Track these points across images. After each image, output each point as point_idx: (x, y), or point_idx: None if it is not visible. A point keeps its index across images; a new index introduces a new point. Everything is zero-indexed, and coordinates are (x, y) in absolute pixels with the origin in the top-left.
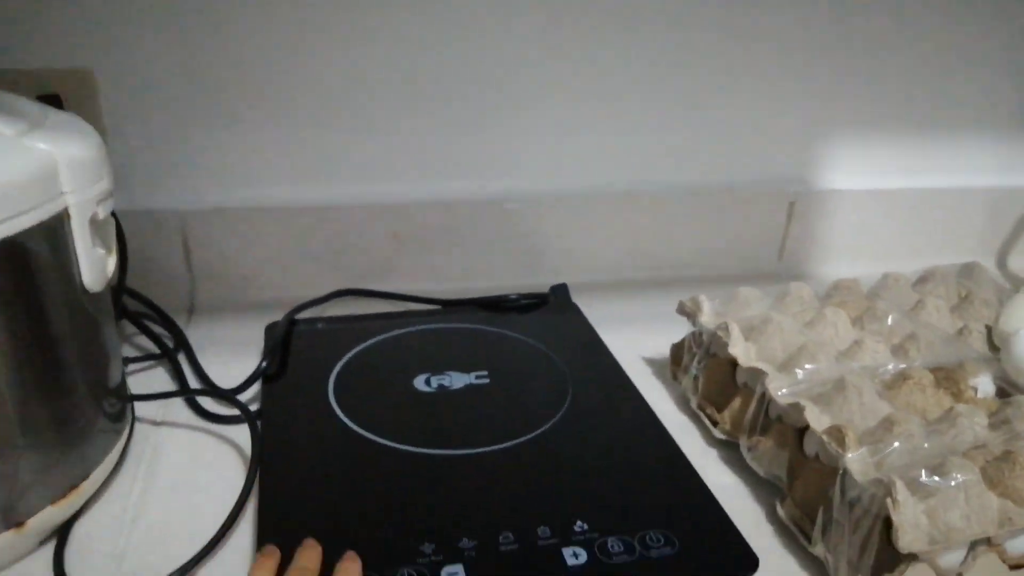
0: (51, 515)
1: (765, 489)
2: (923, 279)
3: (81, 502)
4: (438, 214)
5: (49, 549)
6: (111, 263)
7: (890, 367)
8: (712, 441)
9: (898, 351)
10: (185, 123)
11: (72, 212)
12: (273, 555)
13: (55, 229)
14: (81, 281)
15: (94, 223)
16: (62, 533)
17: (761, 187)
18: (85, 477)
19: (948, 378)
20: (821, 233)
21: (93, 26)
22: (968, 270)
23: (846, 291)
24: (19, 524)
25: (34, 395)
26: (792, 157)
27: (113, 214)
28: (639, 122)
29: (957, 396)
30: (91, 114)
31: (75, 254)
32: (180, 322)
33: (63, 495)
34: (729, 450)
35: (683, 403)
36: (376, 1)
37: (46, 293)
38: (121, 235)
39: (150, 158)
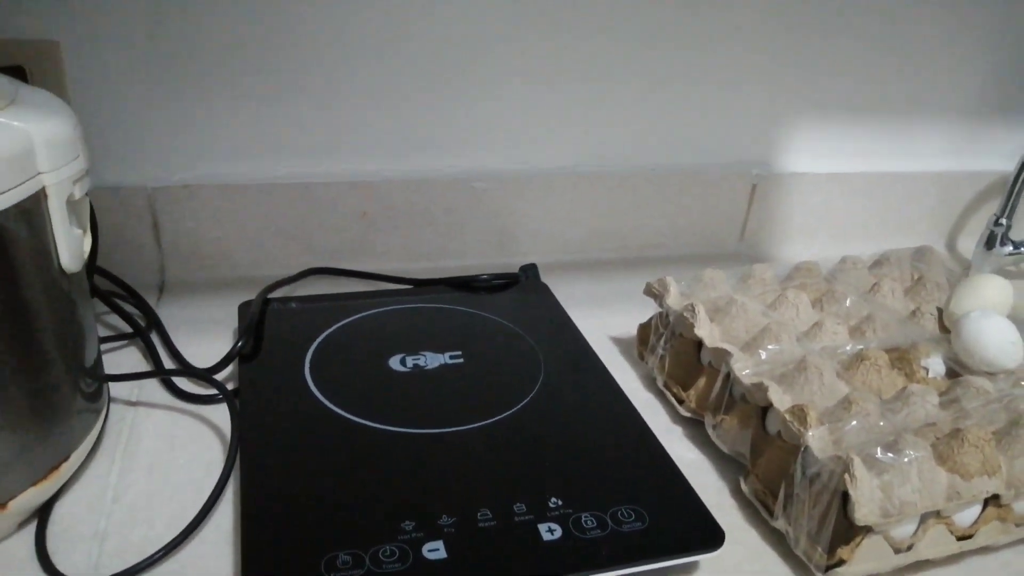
0: (32, 496)
1: (728, 465)
2: (878, 262)
3: (61, 483)
4: (408, 193)
5: (30, 531)
6: (87, 243)
7: (848, 348)
8: (677, 419)
9: (855, 332)
10: (152, 98)
11: (49, 192)
12: None
13: (32, 210)
14: (59, 262)
15: (71, 203)
16: (43, 514)
17: (725, 169)
18: (65, 458)
19: (902, 359)
20: (781, 214)
21: None
22: (921, 253)
23: (806, 273)
24: (2, 506)
25: (12, 376)
26: (755, 140)
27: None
28: (606, 103)
29: (910, 376)
30: (57, 88)
31: (52, 235)
32: (150, 300)
33: (43, 476)
34: (693, 428)
35: (649, 382)
36: None
37: (23, 275)
38: (91, 212)
39: (117, 133)
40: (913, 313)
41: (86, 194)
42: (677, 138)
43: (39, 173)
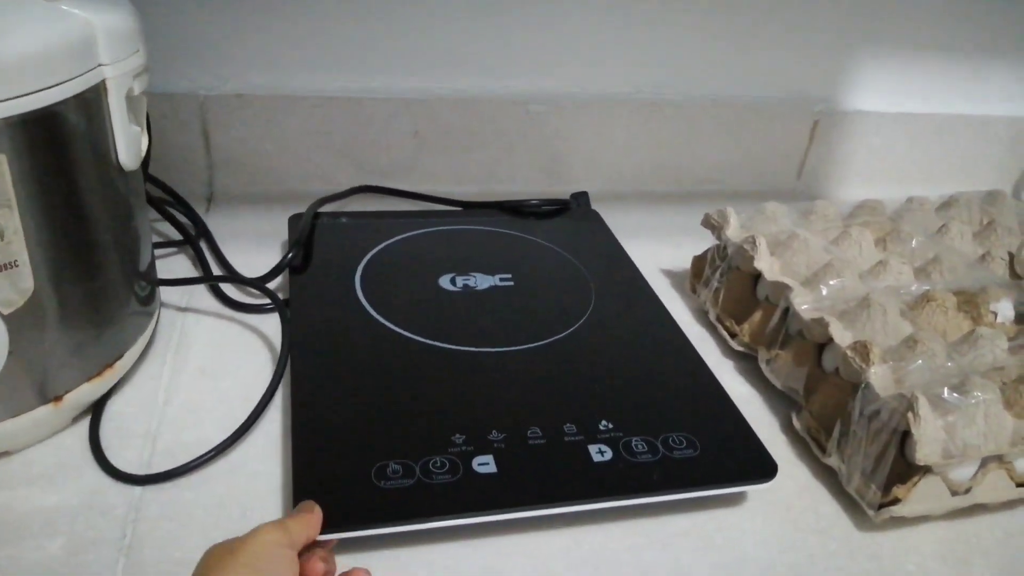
0: (86, 392)
1: (779, 401)
2: (947, 204)
3: (114, 380)
4: (461, 113)
5: (84, 426)
6: (144, 141)
7: (913, 288)
8: (728, 352)
9: (920, 274)
10: (208, 4)
11: (109, 85)
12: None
13: (92, 102)
14: (117, 158)
15: (130, 98)
16: (96, 411)
17: (786, 103)
18: (118, 356)
19: (969, 302)
20: (842, 154)
21: None
22: (992, 197)
23: (870, 212)
24: (57, 399)
25: (69, 273)
26: (819, 74)
27: None
28: (667, 28)
29: (977, 320)
30: None
31: (111, 130)
32: (199, 210)
33: (97, 373)
34: (745, 362)
35: (700, 315)
36: None
37: (82, 169)
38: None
39: (170, 39)
40: (982, 257)
41: (143, 91)
42: (739, 69)
43: (100, 65)
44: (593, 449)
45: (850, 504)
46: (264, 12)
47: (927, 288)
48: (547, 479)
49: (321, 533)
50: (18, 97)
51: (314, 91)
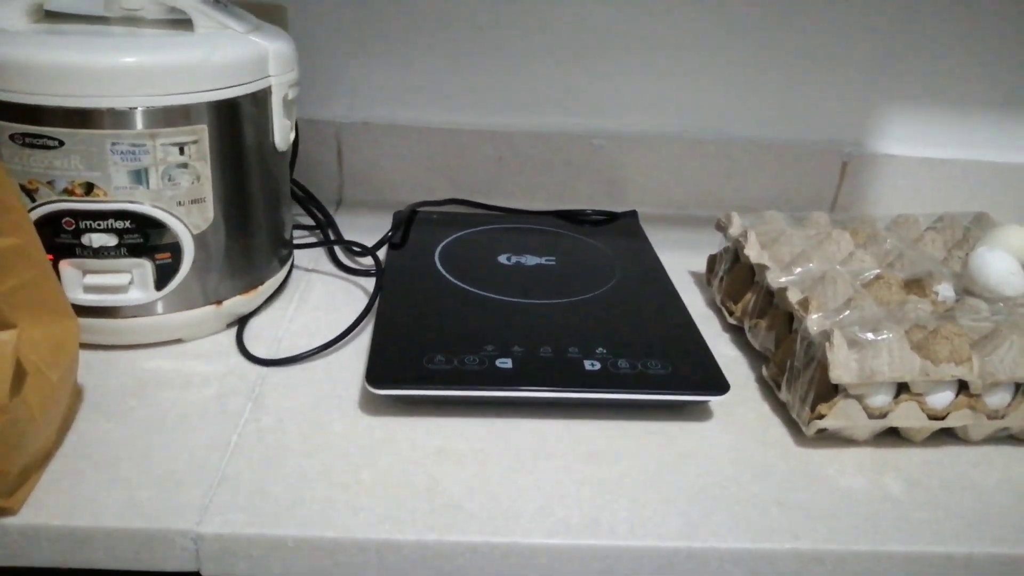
0: (238, 302)
1: (758, 361)
2: (936, 221)
3: (258, 301)
4: (536, 144)
5: (232, 331)
6: (292, 133)
7: (870, 273)
8: (726, 327)
9: (884, 265)
10: (348, 53)
11: (273, 89)
12: None
13: (261, 99)
14: (273, 140)
15: (285, 101)
16: (241, 322)
17: (817, 145)
18: (262, 283)
19: (917, 284)
20: (872, 194)
21: None
22: (978, 218)
23: (859, 222)
24: (218, 302)
25: (235, 214)
26: (850, 120)
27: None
28: (713, 76)
29: (920, 297)
30: None
31: (271, 120)
32: (330, 209)
33: (246, 291)
34: (738, 334)
35: (711, 303)
36: None
37: (250, 142)
38: (296, 135)
39: (318, 77)
40: (945, 258)
41: (294, 98)
42: (775, 113)
43: (268, 75)
44: (587, 362)
45: (795, 429)
46: (387, 61)
47: (879, 271)
48: (548, 375)
49: (380, 390)
50: (219, 89)
51: (422, 123)
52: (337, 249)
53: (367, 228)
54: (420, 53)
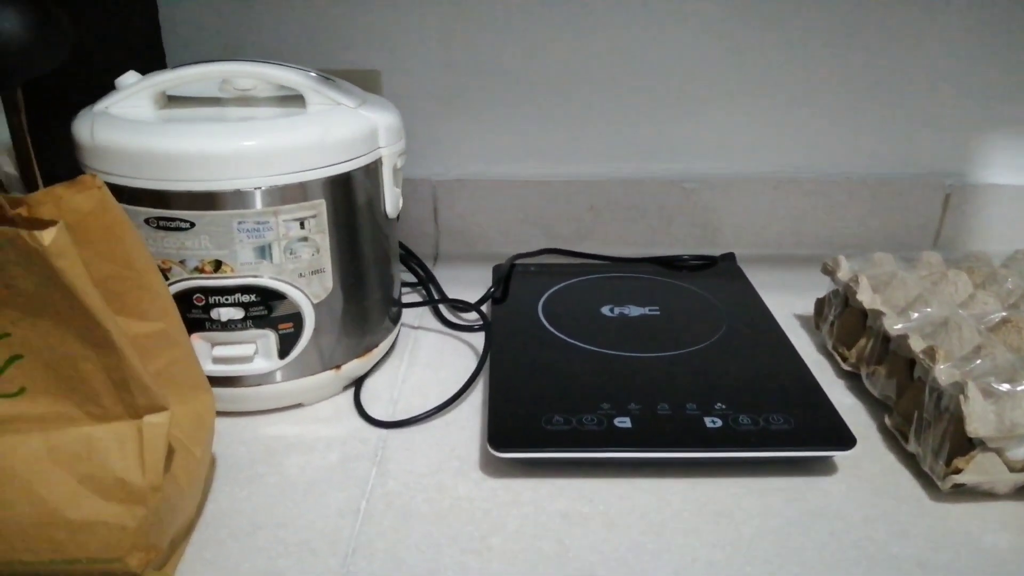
0: (355, 366)
1: (877, 408)
2: None
3: (373, 362)
4: (627, 190)
5: (350, 392)
6: (400, 200)
7: (996, 316)
8: (841, 374)
9: (1009, 308)
10: (440, 113)
11: (384, 160)
12: None
13: (373, 171)
14: (384, 209)
15: (394, 170)
16: (358, 384)
17: (916, 179)
18: (376, 346)
19: None
20: (978, 225)
21: (381, 40)
22: None
23: (974, 259)
24: (337, 367)
25: (352, 282)
26: (948, 151)
27: None
28: (804, 115)
29: None
30: None
31: (382, 190)
32: (428, 263)
33: (362, 354)
34: (853, 380)
35: (822, 347)
36: (589, 23)
37: (364, 213)
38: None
39: (412, 138)
40: None
41: (402, 166)
42: (869, 148)
43: (379, 147)
44: (707, 420)
45: (928, 482)
46: (479, 119)
47: (1005, 314)
48: (669, 434)
49: (503, 453)
50: (334, 164)
51: (514, 176)
52: (441, 306)
53: (465, 282)
54: (509, 110)
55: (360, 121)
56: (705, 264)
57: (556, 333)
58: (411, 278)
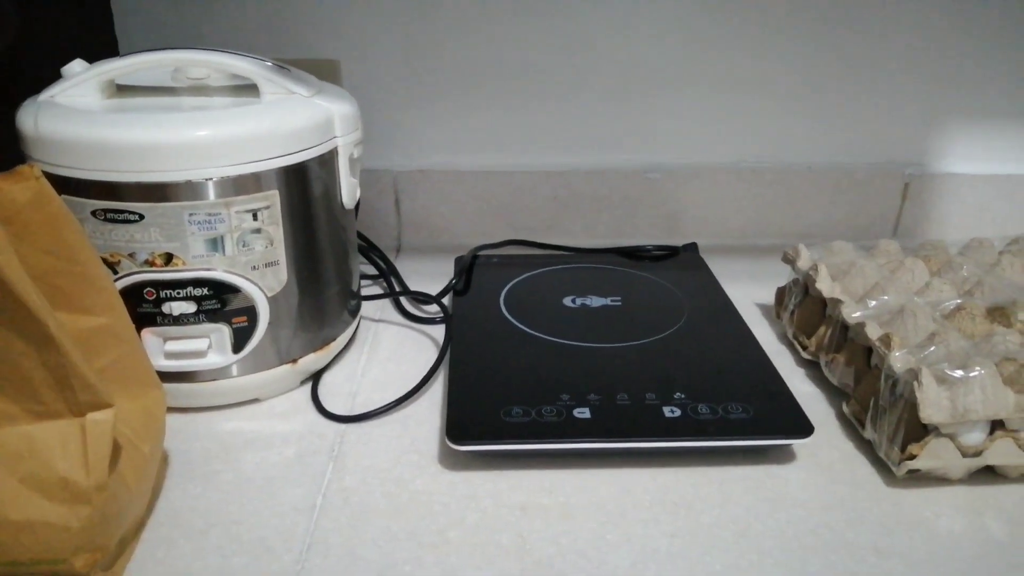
0: (312, 360)
1: (836, 396)
2: (1010, 243)
3: (331, 355)
4: (591, 181)
5: (307, 387)
6: (357, 191)
7: (951, 303)
8: (801, 362)
9: (964, 295)
10: (400, 103)
11: (339, 150)
12: None
13: (328, 160)
14: (341, 200)
15: (350, 160)
16: (315, 378)
17: (876, 168)
18: (334, 339)
19: (1000, 312)
20: (937, 214)
21: (340, 29)
22: None
23: (931, 248)
24: (293, 361)
25: (307, 274)
26: (908, 141)
27: None
28: (766, 105)
29: (1006, 327)
30: None
31: (338, 180)
32: (389, 255)
33: (319, 348)
34: (812, 369)
35: (782, 336)
36: (552, 12)
37: (319, 204)
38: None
39: (373, 128)
40: None
41: (359, 156)
42: (830, 138)
43: (334, 137)
44: (666, 409)
45: (883, 468)
46: (440, 109)
47: (959, 301)
48: (628, 424)
49: (461, 446)
50: (288, 154)
51: (477, 167)
52: (403, 298)
53: (428, 274)
54: (471, 99)
55: (315, 110)
56: (667, 254)
57: (517, 325)
58: (372, 270)
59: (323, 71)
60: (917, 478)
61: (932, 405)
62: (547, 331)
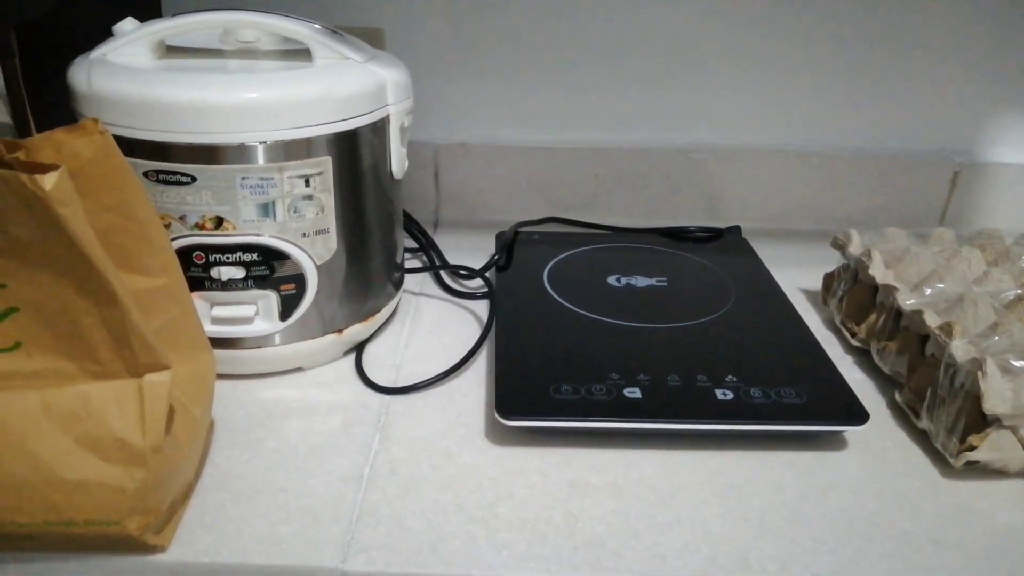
0: (357, 330)
1: (887, 385)
2: None
3: (375, 326)
4: (633, 160)
5: (351, 358)
6: (406, 161)
7: (1011, 294)
8: (849, 349)
9: (1022, 284)
10: (444, 75)
11: (391, 118)
12: None
13: (380, 128)
14: (391, 169)
15: (401, 129)
16: (359, 349)
17: (925, 155)
18: (379, 310)
19: None
20: (985, 203)
21: None
22: None
23: (987, 237)
24: (339, 331)
25: (356, 243)
26: (959, 127)
27: None
28: (813, 88)
29: None
30: None
31: (389, 149)
32: (428, 230)
33: (364, 319)
34: (862, 356)
35: (829, 322)
36: None
37: (370, 172)
38: None
39: (415, 99)
40: None
41: (409, 125)
42: (878, 124)
43: (387, 104)
44: (718, 392)
45: (938, 458)
46: (484, 82)
47: (1020, 291)
48: (680, 406)
49: (511, 421)
50: (341, 120)
51: (519, 142)
52: (443, 272)
53: (466, 249)
54: (515, 73)
55: (368, 76)
56: (711, 236)
57: (562, 302)
58: (412, 244)
59: (368, 40)
60: (974, 470)
61: (996, 396)
62: (592, 309)
